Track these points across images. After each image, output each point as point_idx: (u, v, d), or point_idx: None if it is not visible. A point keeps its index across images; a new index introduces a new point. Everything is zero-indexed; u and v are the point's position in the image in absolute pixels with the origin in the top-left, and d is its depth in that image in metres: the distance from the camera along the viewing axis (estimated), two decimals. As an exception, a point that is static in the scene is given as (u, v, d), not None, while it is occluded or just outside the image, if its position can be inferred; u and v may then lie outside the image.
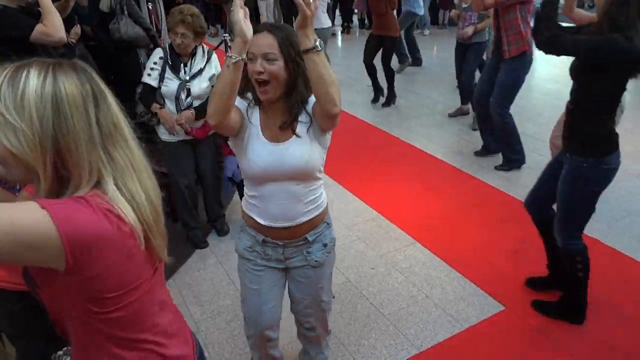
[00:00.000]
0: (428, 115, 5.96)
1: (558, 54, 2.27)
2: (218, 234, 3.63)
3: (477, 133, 4.88)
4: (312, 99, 1.66)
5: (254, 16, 10.60)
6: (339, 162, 4.59)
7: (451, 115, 5.83)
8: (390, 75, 6.24)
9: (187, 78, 3.08)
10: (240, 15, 1.43)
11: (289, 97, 1.65)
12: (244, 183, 1.85)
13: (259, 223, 1.81)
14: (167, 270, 3.24)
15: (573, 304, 2.66)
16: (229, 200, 4.04)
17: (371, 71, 6.30)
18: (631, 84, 3.37)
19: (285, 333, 2.44)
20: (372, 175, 4.40)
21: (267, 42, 1.57)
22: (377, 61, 6.24)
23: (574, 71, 2.37)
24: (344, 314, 2.80)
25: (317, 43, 1.49)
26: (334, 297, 2.40)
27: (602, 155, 2.33)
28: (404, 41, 7.66)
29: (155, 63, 3.12)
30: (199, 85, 3.11)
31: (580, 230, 2.53)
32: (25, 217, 0.83)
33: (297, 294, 2.00)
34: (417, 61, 8.05)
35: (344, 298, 2.92)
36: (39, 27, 2.70)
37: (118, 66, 4.23)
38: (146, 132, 3.26)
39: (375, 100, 6.47)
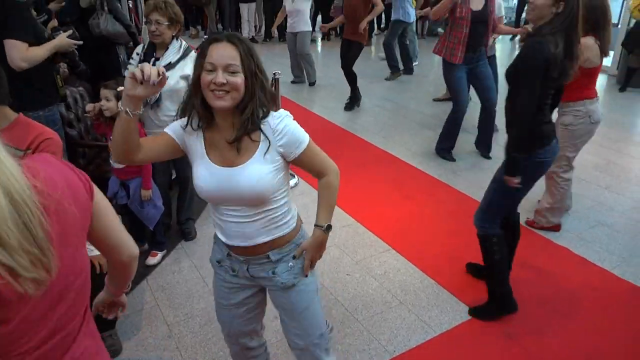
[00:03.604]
0: (405, 123, 6.03)
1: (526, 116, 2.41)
2: (185, 237, 3.57)
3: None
4: (275, 117, 1.59)
5: (235, 19, 10.60)
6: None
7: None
8: (351, 79, 6.42)
9: None
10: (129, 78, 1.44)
11: (242, 113, 1.54)
12: None
13: (220, 238, 1.77)
14: (140, 272, 3.19)
15: (500, 292, 2.78)
16: (203, 206, 4.00)
17: (350, 77, 6.42)
18: (602, 99, 3.43)
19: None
20: (349, 182, 4.42)
21: (229, 54, 1.49)
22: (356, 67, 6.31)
23: (507, 76, 2.52)
24: (318, 319, 2.80)
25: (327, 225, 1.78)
26: (331, 328, 2.18)
27: (534, 149, 2.49)
28: (396, 51, 7.76)
29: (133, 58, 3.18)
30: (167, 81, 3.05)
31: (502, 218, 2.72)
32: None
33: (283, 317, 1.90)
34: (409, 70, 8.09)
35: (319, 303, 2.92)
36: (22, 46, 2.73)
37: (97, 62, 4.18)
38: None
39: (349, 107, 6.52)
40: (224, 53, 1.49)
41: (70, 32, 3.11)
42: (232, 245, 1.74)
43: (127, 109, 1.47)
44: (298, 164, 1.67)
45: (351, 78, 6.43)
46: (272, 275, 1.75)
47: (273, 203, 1.66)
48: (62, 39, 2.99)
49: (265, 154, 1.57)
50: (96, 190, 1.08)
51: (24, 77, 2.77)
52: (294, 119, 1.64)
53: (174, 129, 1.66)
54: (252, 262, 1.76)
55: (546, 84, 2.39)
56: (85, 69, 3.86)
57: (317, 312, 1.88)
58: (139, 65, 1.45)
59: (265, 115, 1.57)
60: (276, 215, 1.69)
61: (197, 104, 1.57)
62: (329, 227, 1.78)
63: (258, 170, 1.57)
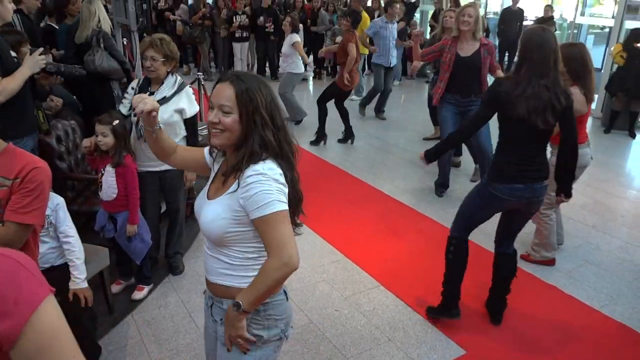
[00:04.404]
0: (394, 161, 6.10)
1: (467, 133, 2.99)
2: (172, 272, 3.52)
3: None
4: (255, 168, 1.48)
5: (229, 57, 10.78)
6: (305, 203, 4.59)
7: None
8: (321, 113, 6.54)
9: None
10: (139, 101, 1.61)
11: (238, 151, 1.53)
12: None
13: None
14: (125, 306, 3.16)
15: (444, 292, 3.00)
16: (192, 240, 3.97)
17: (320, 111, 6.56)
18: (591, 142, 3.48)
19: None
20: (339, 218, 4.43)
21: (226, 94, 1.49)
22: (348, 105, 6.43)
23: None
24: (306, 356, 2.76)
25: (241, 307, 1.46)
26: None
27: (491, 180, 2.77)
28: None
29: (128, 92, 3.22)
30: (160, 115, 3.07)
31: (465, 231, 2.97)
32: None
33: None
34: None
35: (307, 339, 2.88)
36: None
37: (91, 98, 4.22)
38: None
39: (315, 142, 6.58)
40: (220, 92, 1.51)
41: (32, 50, 3.06)
42: (206, 277, 1.71)
43: (145, 126, 1.72)
44: (255, 228, 1.52)
45: (321, 112, 6.55)
46: (219, 320, 1.67)
47: (233, 252, 1.58)
48: (29, 60, 2.92)
49: (229, 196, 1.52)
50: (40, 322, 0.82)
51: None
52: (276, 182, 1.49)
53: (208, 150, 1.76)
54: (215, 303, 1.69)
55: (504, 124, 2.66)
56: (82, 74, 3.90)
57: None
58: (137, 95, 1.60)
59: (254, 162, 1.49)
60: (235, 265, 1.59)
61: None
62: (238, 305, 1.47)
63: (215, 211, 1.54)
